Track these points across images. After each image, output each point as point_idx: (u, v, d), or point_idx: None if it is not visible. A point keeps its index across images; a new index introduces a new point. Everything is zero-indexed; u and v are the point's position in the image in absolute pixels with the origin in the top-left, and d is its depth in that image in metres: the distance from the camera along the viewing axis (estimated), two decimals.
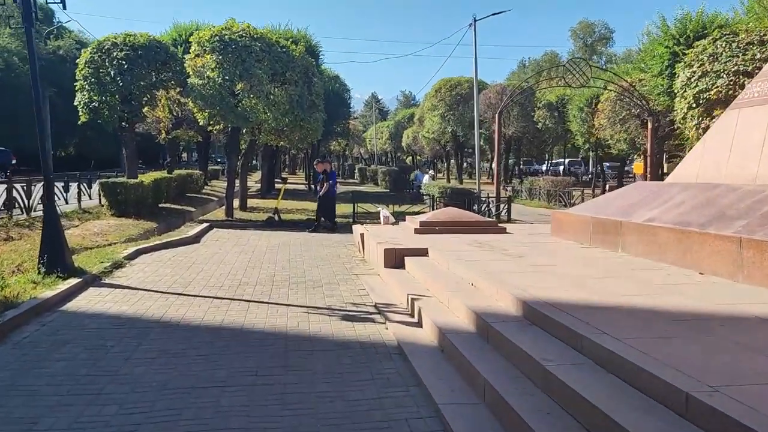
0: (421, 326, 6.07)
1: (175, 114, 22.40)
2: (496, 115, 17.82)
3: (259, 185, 31.32)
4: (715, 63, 15.89)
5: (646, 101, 18.83)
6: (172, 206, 20.90)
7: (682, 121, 17.15)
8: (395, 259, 8.73)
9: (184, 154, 75.10)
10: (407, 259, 8.60)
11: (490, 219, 12.77)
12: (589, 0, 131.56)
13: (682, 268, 6.72)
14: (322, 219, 15.36)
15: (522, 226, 12.74)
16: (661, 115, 19.57)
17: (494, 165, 17.55)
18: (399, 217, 14.91)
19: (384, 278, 8.63)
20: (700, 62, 16.32)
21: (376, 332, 6.10)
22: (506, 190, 29.44)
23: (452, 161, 54.76)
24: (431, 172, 28.63)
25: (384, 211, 13.32)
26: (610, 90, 22.55)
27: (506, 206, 17.47)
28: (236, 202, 19.88)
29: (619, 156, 32.52)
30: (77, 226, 14.41)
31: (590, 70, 17.32)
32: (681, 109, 16.93)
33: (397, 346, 5.63)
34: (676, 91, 17.43)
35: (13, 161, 32.05)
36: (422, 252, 8.77)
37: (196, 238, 13.35)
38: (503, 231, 10.86)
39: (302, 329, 6.20)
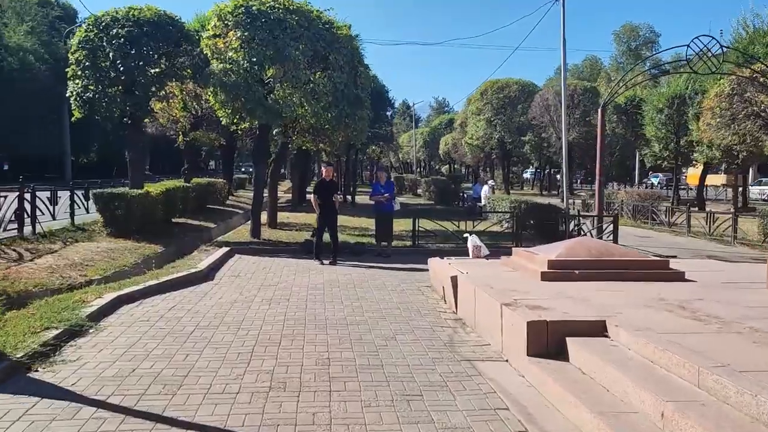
0: None
1: (193, 112, 18.87)
2: (599, 110, 13.81)
3: (290, 195, 27.65)
4: None
5: None
6: (189, 221, 17.36)
7: None
8: (548, 340, 4.86)
9: (212, 162, 71.19)
10: (572, 344, 4.71)
11: (656, 257, 8.73)
12: (632, 3, 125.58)
13: None
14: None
15: (684, 262, 8.61)
16: None
17: (597, 172, 13.54)
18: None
19: (532, 378, 4.73)
20: None
21: None
22: (573, 206, 25.31)
23: (496, 171, 50.67)
24: (491, 182, 24.55)
25: (474, 239, 9.43)
26: (727, 78, 18.30)
27: (612, 227, 13.39)
28: (264, 217, 16.22)
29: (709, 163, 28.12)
30: (55, 251, 10.83)
31: (722, 53, 13.15)
32: None
33: None
34: None
35: (5, 167, 28.87)
36: (597, 328, 4.88)
37: (208, 273, 9.62)
38: (682, 278, 6.89)
39: None
